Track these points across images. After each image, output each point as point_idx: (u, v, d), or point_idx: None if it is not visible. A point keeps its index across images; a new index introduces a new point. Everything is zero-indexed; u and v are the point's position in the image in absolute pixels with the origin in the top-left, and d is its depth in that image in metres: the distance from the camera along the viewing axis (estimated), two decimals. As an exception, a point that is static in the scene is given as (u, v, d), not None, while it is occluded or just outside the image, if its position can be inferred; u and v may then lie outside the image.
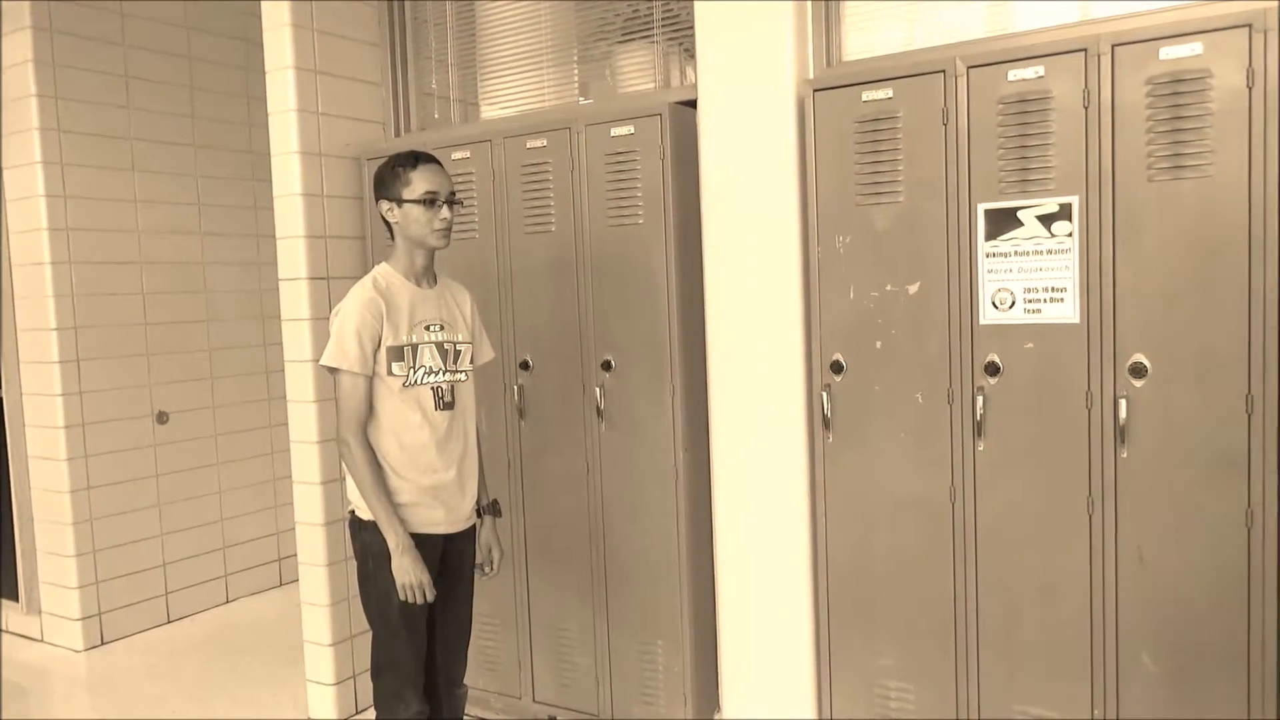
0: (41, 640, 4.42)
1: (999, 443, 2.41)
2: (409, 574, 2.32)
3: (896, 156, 2.47)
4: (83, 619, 4.29)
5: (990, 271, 2.38)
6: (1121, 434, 2.25)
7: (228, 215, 4.83)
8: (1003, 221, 2.36)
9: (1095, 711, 2.33)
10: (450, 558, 2.50)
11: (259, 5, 3.33)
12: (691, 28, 2.81)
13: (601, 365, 2.99)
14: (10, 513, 4.46)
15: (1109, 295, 2.24)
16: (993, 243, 2.38)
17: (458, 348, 2.49)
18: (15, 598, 4.49)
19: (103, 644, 4.34)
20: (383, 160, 2.46)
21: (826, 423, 2.61)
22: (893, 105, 2.46)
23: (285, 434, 3.50)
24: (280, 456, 4.94)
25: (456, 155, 3.18)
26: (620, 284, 2.95)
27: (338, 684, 3.45)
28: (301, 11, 3.30)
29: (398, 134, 3.65)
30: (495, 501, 2.66)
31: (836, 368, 2.60)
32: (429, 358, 2.42)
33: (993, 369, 2.40)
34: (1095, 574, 2.31)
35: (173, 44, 4.58)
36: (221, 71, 4.79)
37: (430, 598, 2.35)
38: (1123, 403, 2.24)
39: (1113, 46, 2.19)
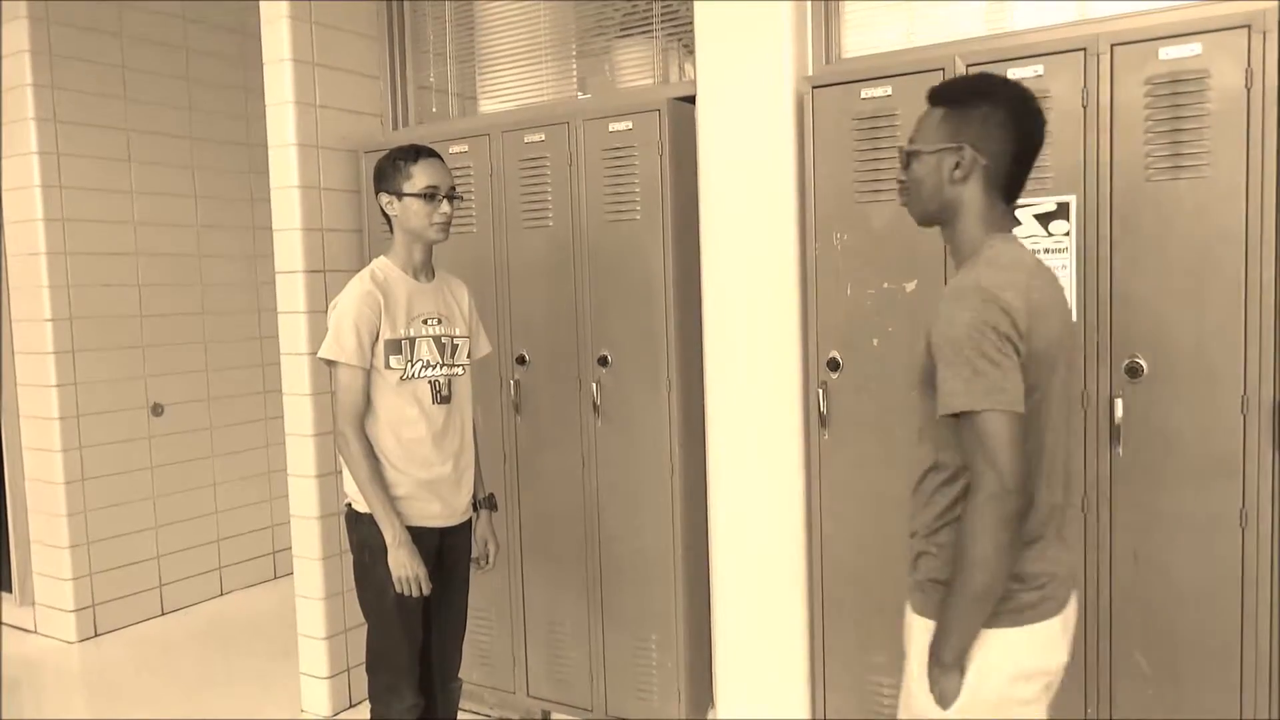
0: (35, 632, 4.42)
1: (995, 441, 2.41)
2: (405, 567, 2.32)
3: (895, 154, 2.47)
4: (76, 611, 4.28)
5: (988, 270, 2.38)
6: (1117, 433, 2.25)
7: (224, 207, 4.82)
8: (1001, 220, 2.35)
9: (1088, 710, 2.34)
10: (446, 552, 2.50)
11: (257, -3, 3.33)
12: (691, 24, 2.81)
13: (598, 361, 2.99)
14: (4, 504, 4.46)
15: (1105, 295, 2.25)
16: (990, 241, 2.37)
17: (455, 342, 2.49)
18: (9, 589, 4.49)
19: (96, 636, 4.33)
20: (382, 153, 2.46)
21: (823, 420, 2.61)
22: (892, 103, 2.46)
23: (281, 427, 3.49)
24: (276, 449, 4.91)
25: (454, 149, 3.17)
26: (617, 279, 2.95)
27: (332, 677, 3.45)
28: (299, 4, 3.29)
29: (395, 127, 3.64)
30: (491, 495, 2.66)
31: (833, 365, 2.59)
32: (426, 352, 2.42)
33: (989, 367, 2.39)
34: (1090, 573, 2.31)
35: (170, 35, 4.57)
36: (219, 63, 4.77)
37: (426, 591, 2.36)
38: (1118, 402, 2.24)
39: (1112, 46, 2.19)
